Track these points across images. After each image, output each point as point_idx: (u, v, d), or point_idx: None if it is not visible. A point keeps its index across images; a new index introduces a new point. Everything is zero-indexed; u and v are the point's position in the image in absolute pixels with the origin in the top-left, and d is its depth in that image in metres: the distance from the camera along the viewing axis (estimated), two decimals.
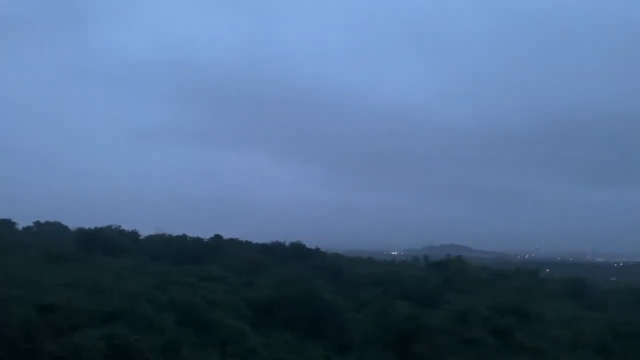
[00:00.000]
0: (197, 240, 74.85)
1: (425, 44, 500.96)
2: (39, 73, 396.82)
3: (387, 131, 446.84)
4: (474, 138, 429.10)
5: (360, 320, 40.23)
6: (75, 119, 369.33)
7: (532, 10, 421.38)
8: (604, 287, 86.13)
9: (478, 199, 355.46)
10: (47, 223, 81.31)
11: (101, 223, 71.31)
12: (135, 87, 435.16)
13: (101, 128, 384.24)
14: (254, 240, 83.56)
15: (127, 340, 20.43)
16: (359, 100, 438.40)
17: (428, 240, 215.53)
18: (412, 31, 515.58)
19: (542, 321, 40.34)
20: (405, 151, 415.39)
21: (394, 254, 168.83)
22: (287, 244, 77.27)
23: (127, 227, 76.23)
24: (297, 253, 73.07)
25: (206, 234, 77.38)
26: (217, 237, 76.40)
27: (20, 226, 74.34)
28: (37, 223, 79.38)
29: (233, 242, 78.57)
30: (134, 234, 76.23)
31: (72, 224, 79.20)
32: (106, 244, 59.91)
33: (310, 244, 77.73)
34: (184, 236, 77.92)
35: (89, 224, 70.62)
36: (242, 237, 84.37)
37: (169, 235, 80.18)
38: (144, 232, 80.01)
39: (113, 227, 72.85)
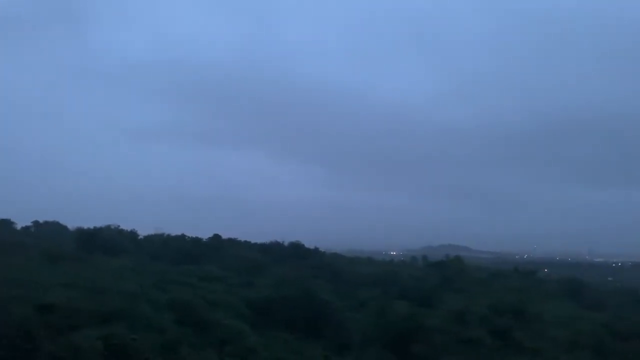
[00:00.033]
0: (196, 240, 74.66)
1: (425, 44, 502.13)
2: (39, 73, 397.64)
3: (387, 131, 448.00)
4: (474, 138, 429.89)
5: (359, 320, 40.25)
6: (75, 119, 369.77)
7: (532, 10, 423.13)
8: (602, 287, 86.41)
9: (477, 199, 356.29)
10: (46, 223, 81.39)
11: (100, 223, 71.33)
12: (135, 87, 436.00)
13: (101, 128, 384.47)
14: (253, 240, 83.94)
15: (126, 340, 20.51)
16: (359, 100, 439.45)
17: (427, 240, 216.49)
18: (412, 31, 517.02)
19: (540, 321, 40.54)
20: (405, 151, 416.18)
21: (393, 254, 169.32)
22: (286, 243, 77.21)
23: (126, 226, 76.38)
24: (296, 253, 73.01)
25: (205, 234, 77.40)
26: (216, 237, 76.29)
27: (19, 226, 74.60)
28: (35, 223, 79.41)
29: (232, 242, 78.71)
30: (133, 234, 76.05)
31: (71, 223, 79.60)
32: (105, 243, 59.72)
33: (309, 243, 77.97)
34: (183, 236, 77.75)
35: (88, 223, 70.71)
36: (241, 237, 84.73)
37: (168, 235, 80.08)
38: (143, 232, 79.99)
39: (112, 227, 72.81)
